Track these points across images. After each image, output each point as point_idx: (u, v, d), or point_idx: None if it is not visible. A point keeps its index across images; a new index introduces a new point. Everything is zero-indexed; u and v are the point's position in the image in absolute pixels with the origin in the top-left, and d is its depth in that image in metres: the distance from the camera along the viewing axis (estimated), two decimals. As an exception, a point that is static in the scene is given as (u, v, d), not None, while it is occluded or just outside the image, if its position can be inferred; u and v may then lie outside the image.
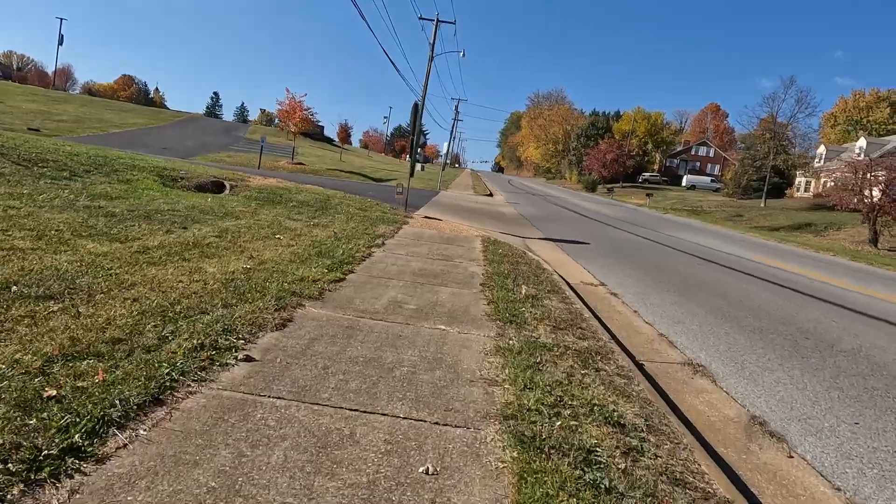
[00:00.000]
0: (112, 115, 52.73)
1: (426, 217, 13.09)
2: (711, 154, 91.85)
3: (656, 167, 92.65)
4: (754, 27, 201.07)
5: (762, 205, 47.86)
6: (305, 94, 34.41)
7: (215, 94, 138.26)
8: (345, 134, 53.86)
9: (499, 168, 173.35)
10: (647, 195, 44.74)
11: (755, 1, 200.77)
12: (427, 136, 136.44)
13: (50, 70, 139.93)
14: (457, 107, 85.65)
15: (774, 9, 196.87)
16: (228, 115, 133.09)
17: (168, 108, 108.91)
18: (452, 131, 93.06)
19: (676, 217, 34.31)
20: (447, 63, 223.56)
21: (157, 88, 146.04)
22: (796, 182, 59.80)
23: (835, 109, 78.84)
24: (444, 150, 27.78)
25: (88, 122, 43.44)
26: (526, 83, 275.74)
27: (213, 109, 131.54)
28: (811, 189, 59.12)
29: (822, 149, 57.75)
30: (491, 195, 30.25)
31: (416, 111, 12.26)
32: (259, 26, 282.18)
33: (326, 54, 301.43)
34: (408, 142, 73.92)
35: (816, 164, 55.86)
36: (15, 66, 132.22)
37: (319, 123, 69.68)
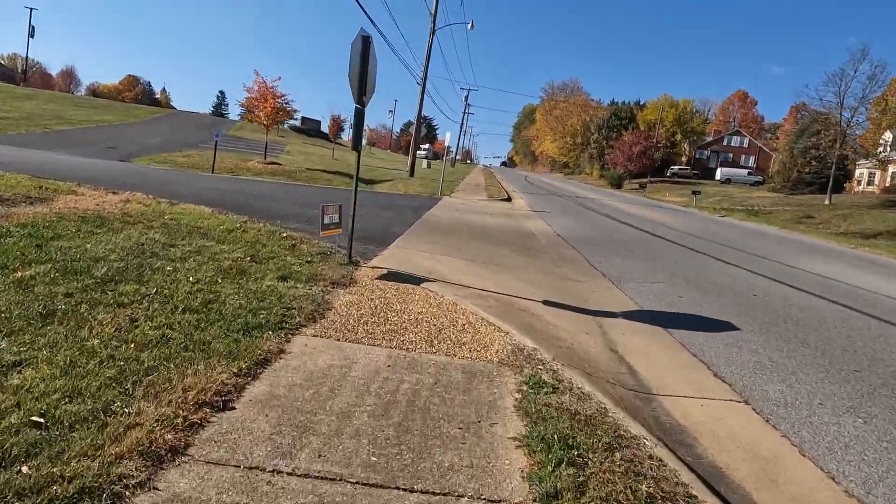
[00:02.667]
0: (77, 113, 47.26)
1: (388, 273, 6.55)
2: (745, 144, 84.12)
3: (684, 160, 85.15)
4: (768, 11, 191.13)
5: (827, 202, 40.59)
6: (279, 78, 27.98)
7: (221, 92, 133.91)
8: (337, 128, 47.21)
9: (511, 163, 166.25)
10: (694, 193, 37.72)
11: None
12: (437, 131, 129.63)
13: (54, 72, 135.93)
14: (467, 97, 78.87)
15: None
16: (234, 113, 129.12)
17: (173, 107, 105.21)
18: (462, 124, 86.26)
19: (738, 221, 27.37)
20: (454, 49, 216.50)
21: (164, 89, 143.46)
22: (857, 174, 52.29)
23: (886, 92, 70.66)
24: (448, 140, 20.59)
25: (38, 119, 37.77)
26: (538, 75, 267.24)
27: (220, 108, 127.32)
28: (876, 181, 51.56)
29: (888, 135, 49.99)
30: (509, 199, 23.54)
31: (366, 46, 5.73)
32: (261, 23, 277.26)
33: (327, 48, 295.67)
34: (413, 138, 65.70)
35: (882, 154, 48.21)
36: (20, 69, 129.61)
37: (306, 115, 63.29)
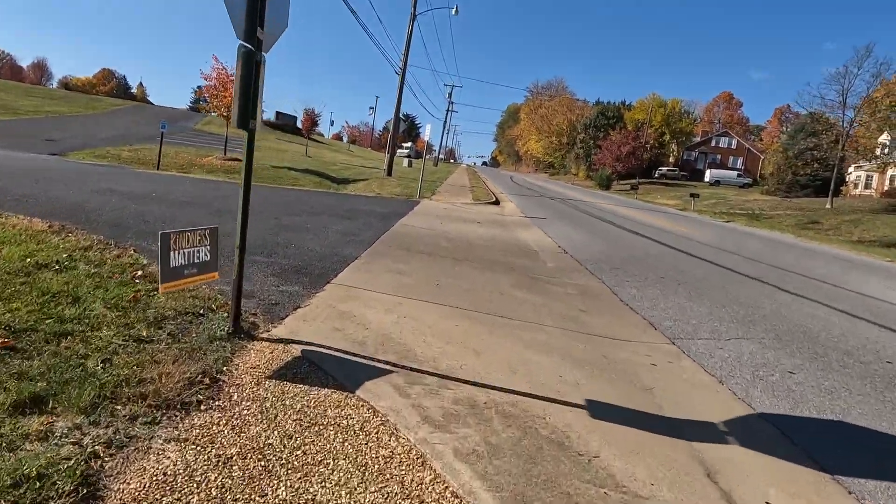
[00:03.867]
0: (27, 103, 43.40)
1: (300, 357, 3.71)
2: (734, 146, 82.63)
3: (671, 160, 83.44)
4: (750, 17, 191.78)
5: (828, 206, 38.62)
6: None
7: (199, 87, 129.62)
8: (311, 123, 43.99)
9: (494, 163, 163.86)
10: (692, 196, 35.35)
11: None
12: (419, 129, 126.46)
13: (25, 64, 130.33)
14: (450, 94, 76.06)
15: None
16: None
17: (149, 102, 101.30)
18: (446, 122, 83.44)
19: (744, 227, 24.94)
20: (438, 42, 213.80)
21: (140, 83, 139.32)
22: (853, 177, 50.62)
23: (875, 94, 69.57)
24: (428, 134, 17.49)
25: (-26, 109, 34.12)
26: (522, 74, 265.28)
27: (197, 103, 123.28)
28: (874, 185, 49.93)
29: (884, 136, 48.35)
30: (497, 202, 20.73)
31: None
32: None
33: (304, 37, 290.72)
34: (399, 137, 63.32)
35: (883, 156, 46.53)
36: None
37: (281, 111, 59.77)
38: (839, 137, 38.58)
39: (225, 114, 25.92)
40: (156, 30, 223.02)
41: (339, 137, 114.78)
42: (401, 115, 31.53)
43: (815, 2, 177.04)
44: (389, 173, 28.35)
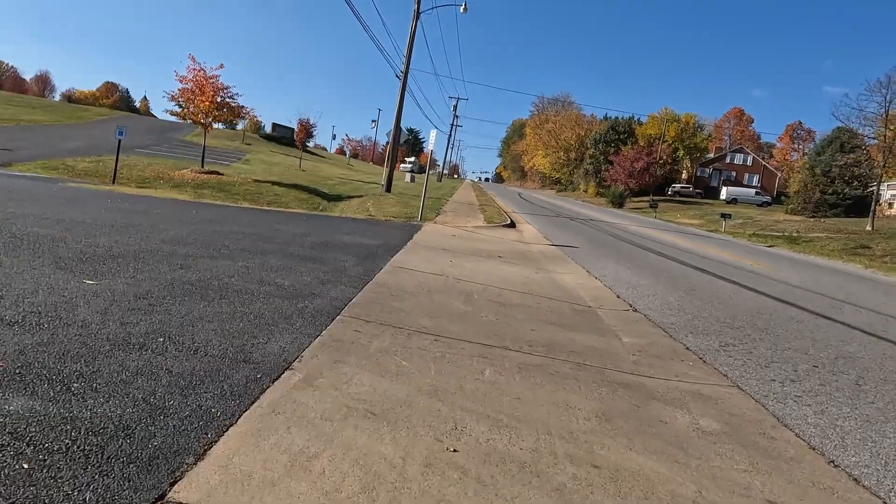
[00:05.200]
0: (4, 111, 40.66)
1: None
2: (749, 162, 79.59)
3: (684, 177, 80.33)
4: (745, 37, 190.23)
5: (869, 227, 35.26)
6: (221, 66, 21.49)
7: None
8: (305, 133, 40.99)
9: (499, 178, 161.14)
10: (723, 217, 32.08)
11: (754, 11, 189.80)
12: (423, 143, 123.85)
13: (28, 76, 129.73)
14: (455, 106, 73.32)
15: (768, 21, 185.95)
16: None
17: (152, 114, 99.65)
18: (451, 136, 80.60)
19: (792, 252, 21.57)
20: (444, 54, 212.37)
21: (144, 97, 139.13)
22: (887, 196, 47.24)
23: (898, 110, 66.36)
24: (432, 142, 14.03)
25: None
26: (527, 90, 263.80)
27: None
28: (911, 205, 46.54)
29: (924, 154, 45.10)
30: (512, 225, 17.45)
31: None
32: (238, 30, 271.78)
33: (304, 47, 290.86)
34: (402, 151, 61.56)
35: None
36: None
37: (279, 123, 56.77)
38: (884, 154, 35.22)
39: (202, 121, 22.84)
40: (159, 44, 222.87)
41: (342, 152, 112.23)
42: (405, 130, 28.58)
43: (813, 22, 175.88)
44: (388, 189, 25.18)
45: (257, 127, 55.70)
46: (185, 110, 22.97)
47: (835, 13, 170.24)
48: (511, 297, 6.47)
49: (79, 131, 34.89)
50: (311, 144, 56.64)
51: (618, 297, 7.71)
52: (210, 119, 22.91)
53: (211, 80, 22.50)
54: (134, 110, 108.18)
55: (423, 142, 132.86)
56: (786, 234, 33.14)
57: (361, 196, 23.16)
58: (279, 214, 11.84)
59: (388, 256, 7.76)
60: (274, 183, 23.42)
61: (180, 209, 10.17)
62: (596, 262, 11.09)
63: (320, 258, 6.76)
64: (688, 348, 5.38)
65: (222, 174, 23.35)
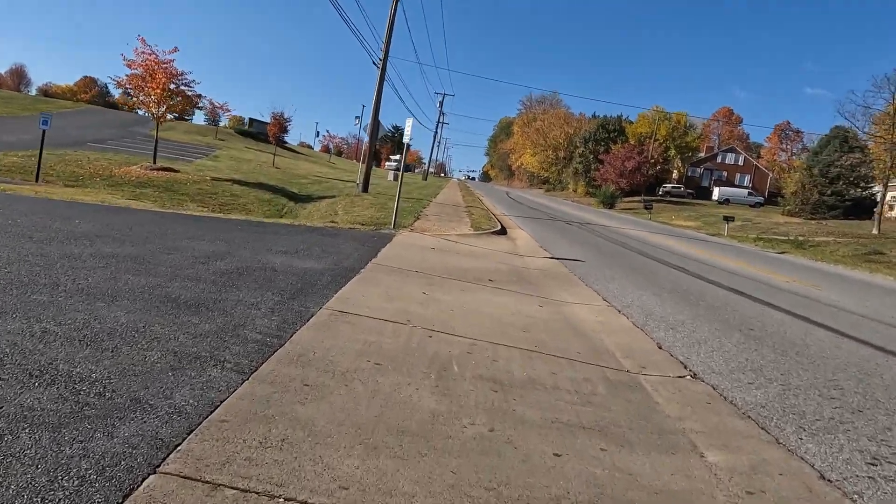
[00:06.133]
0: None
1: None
2: (741, 162, 78.24)
3: (675, 176, 78.73)
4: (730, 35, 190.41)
5: (875, 231, 33.57)
6: (175, 50, 18.82)
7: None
8: (279, 128, 38.21)
9: (486, 177, 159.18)
10: (725, 219, 30.12)
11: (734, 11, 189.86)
12: (410, 140, 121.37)
13: (2, 70, 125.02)
14: (441, 103, 70.89)
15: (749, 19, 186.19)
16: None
17: (135, 111, 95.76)
18: (436, 134, 78.11)
19: (803, 259, 19.48)
20: (430, 49, 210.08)
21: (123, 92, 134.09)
22: (889, 197, 45.75)
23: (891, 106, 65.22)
24: (408, 130, 11.57)
25: None
26: (514, 88, 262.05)
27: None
28: (912, 206, 45.07)
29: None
30: (503, 231, 15.12)
31: None
32: (218, 20, 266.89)
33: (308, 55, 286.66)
34: (387, 149, 60.09)
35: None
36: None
37: (256, 118, 53.80)
38: (891, 150, 33.49)
39: (154, 111, 20.20)
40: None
41: (327, 149, 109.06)
42: (390, 127, 26.16)
43: (793, 24, 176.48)
44: (365, 189, 22.71)
45: (241, 123, 52.84)
46: (135, 99, 20.33)
47: (819, 13, 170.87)
48: (511, 366, 4.10)
49: (27, 124, 31.89)
50: (295, 142, 53.96)
51: (659, 346, 5.40)
52: (163, 109, 20.25)
53: (163, 66, 19.89)
54: (113, 106, 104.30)
55: (410, 139, 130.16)
56: (790, 238, 31.24)
57: (333, 196, 20.70)
58: (208, 222, 9.37)
59: (331, 290, 5.35)
60: (235, 181, 20.85)
61: (65, 216, 7.66)
62: (610, 282, 8.79)
63: (214, 301, 4.33)
64: (826, 478, 3.06)
65: (178, 171, 20.75)
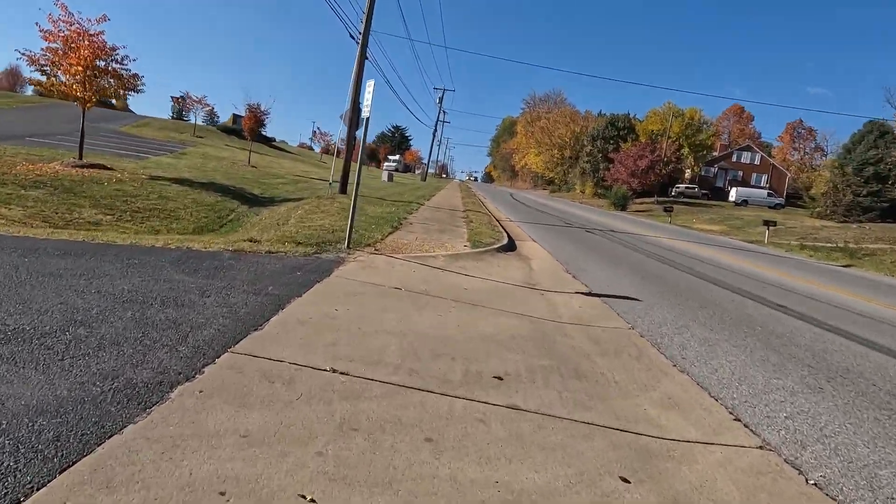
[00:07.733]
0: None
1: None
2: (757, 161, 73.96)
3: (687, 176, 74.54)
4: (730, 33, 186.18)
5: (929, 237, 29.49)
6: (104, 18, 14.80)
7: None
8: (254, 122, 34.21)
9: (488, 178, 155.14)
10: (766, 224, 26.10)
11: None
12: (410, 140, 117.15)
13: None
14: (441, 99, 66.90)
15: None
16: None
17: (131, 111, 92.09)
18: (436, 132, 74.17)
19: (872, 275, 15.46)
20: (430, 49, 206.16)
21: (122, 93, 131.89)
22: (931, 198, 41.60)
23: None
24: (368, 97, 7.76)
25: None
26: (517, 87, 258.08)
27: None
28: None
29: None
30: (512, 245, 11.15)
31: None
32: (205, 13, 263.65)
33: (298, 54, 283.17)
34: (385, 149, 56.35)
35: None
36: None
37: (238, 114, 49.92)
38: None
39: (78, 94, 16.30)
40: (141, 38, 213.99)
41: (326, 150, 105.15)
42: (390, 127, 22.47)
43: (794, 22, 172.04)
44: (343, 189, 18.82)
45: (216, 117, 49.02)
46: (52, 79, 16.55)
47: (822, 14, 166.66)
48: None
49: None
50: (295, 143, 50.09)
51: None
52: (90, 92, 16.34)
53: (90, 37, 16.02)
54: (108, 105, 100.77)
55: (410, 139, 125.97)
56: (838, 245, 27.20)
57: (301, 199, 16.85)
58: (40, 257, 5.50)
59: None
60: (180, 181, 17.01)
61: None
62: (711, 356, 4.86)
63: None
64: None
65: (110, 168, 16.95)
